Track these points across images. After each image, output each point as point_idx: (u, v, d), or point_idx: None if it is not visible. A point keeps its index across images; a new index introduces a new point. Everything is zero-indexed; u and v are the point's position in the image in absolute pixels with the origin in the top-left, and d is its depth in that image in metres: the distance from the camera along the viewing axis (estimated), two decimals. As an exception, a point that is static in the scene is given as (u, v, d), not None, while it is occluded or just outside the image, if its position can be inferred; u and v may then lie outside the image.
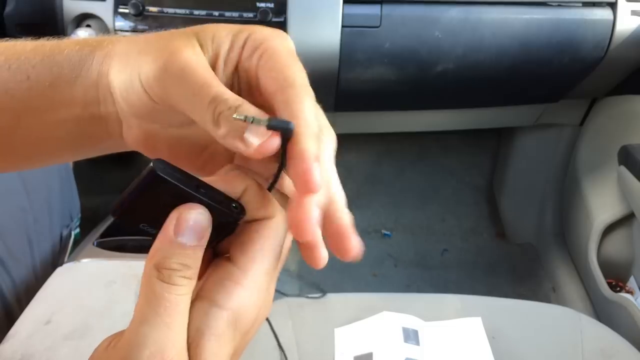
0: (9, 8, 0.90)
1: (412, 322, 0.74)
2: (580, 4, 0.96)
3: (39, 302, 0.73)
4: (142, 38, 0.28)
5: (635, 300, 1.01)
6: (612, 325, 0.79)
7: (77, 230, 0.96)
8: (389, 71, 0.98)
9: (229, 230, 0.26)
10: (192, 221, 0.24)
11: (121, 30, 0.90)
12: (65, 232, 0.91)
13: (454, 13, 0.93)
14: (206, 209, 0.25)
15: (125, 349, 0.23)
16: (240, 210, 0.26)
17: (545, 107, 1.24)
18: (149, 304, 0.23)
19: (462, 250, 1.53)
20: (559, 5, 0.96)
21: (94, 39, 0.30)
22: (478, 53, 0.97)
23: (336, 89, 1.00)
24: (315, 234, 0.25)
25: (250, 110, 0.25)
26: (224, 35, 0.27)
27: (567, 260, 1.33)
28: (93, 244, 0.99)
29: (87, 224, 1.02)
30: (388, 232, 1.55)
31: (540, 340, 0.75)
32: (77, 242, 0.96)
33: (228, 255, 0.26)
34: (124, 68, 0.27)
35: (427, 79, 1.01)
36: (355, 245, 0.26)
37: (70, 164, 0.95)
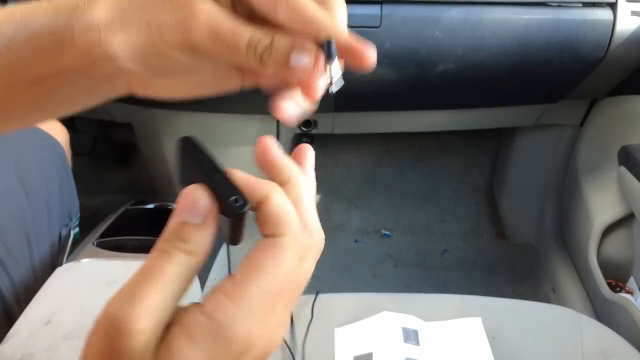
0: (8, 8, 0.90)
1: (412, 322, 0.74)
2: (580, 4, 0.96)
3: (39, 302, 0.73)
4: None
5: (635, 300, 1.01)
6: (612, 326, 0.78)
7: (77, 230, 0.95)
8: (389, 71, 0.98)
9: (235, 224, 0.25)
10: (189, 200, 0.25)
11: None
12: (64, 232, 0.90)
13: (454, 13, 0.93)
14: (205, 191, 0.25)
15: (109, 302, 0.23)
16: (241, 205, 0.24)
17: (545, 107, 1.24)
18: (140, 268, 0.24)
19: (462, 251, 1.53)
20: (559, 6, 0.96)
21: (66, 1, 0.29)
22: (478, 53, 0.97)
23: (336, 89, 1.00)
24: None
25: (282, 40, 0.26)
26: None
27: (567, 261, 1.33)
28: (93, 244, 0.99)
29: (87, 224, 1.02)
30: (388, 232, 1.55)
31: (540, 341, 0.75)
32: (76, 242, 0.96)
33: None
34: (131, 35, 0.27)
35: (427, 79, 1.01)
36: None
37: (70, 164, 0.95)
